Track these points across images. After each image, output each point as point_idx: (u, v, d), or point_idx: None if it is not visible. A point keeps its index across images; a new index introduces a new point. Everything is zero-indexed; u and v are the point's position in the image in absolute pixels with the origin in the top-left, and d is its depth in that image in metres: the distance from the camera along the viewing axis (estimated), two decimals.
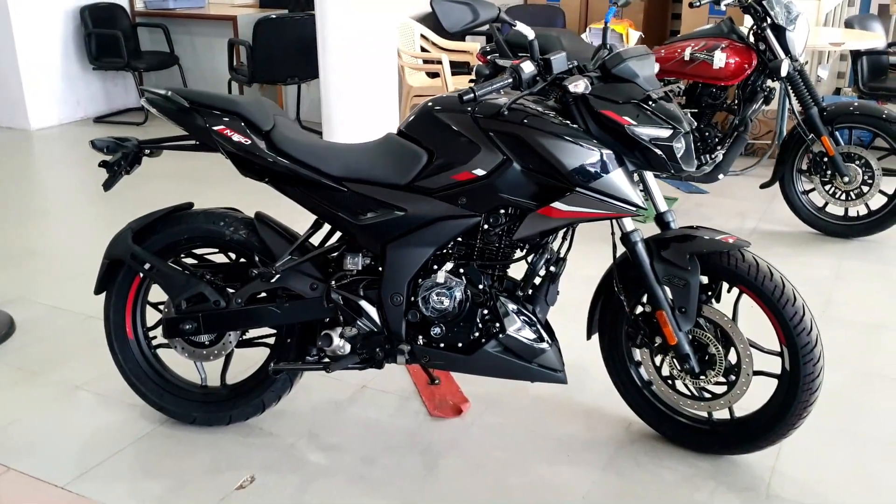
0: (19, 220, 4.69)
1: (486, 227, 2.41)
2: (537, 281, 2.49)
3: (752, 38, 4.13)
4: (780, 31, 4.03)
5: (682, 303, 2.35)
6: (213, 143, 2.48)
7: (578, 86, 2.23)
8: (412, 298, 2.45)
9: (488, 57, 4.73)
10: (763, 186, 4.37)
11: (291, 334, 2.58)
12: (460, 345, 2.46)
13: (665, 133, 2.24)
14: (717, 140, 4.30)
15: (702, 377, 2.43)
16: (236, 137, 2.45)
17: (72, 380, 2.98)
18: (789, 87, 4.13)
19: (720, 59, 4.08)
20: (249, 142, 2.44)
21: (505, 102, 2.31)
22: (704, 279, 2.44)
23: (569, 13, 7.18)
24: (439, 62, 5.47)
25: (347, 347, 2.49)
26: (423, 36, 5.89)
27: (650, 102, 2.26)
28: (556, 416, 2.76)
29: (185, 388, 2.71)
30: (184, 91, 2.53)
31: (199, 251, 2.69)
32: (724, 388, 2.44)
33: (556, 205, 2.28)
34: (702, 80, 4.22)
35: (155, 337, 2.72)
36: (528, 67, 2.25)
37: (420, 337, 2.47)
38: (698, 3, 4.11)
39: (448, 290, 2.41)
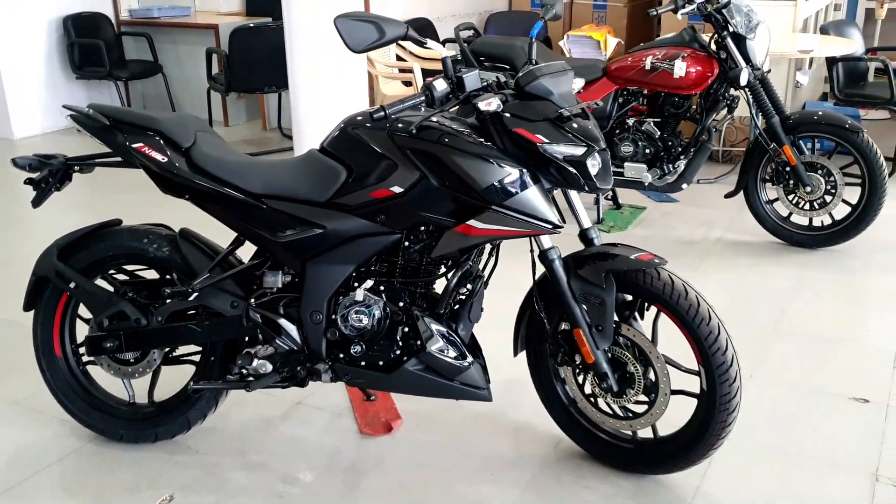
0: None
1: (406, 244, 2.39)
2: (461, 298, 2.47)
3: (714, 47, 4.10)
4: (740, 40, 4.00)
5: (599, 321, 2.32)
6: (133, 160, 2.48)
7: (490, 104, 2.20)
8: (332, 316, 2.43)
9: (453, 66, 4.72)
10: (727, 196, 4.33)
11: (214, 352, 2.57)
12: (381, 363, 2.44)
13: (578, 151, 2.21)
14: (680, 149, 4.27)
15: (622, 396, 2.40)
16: (154, 154, 2.45)
17: (10, 394, 2.98)
18: (750, 96, 4.08)
19: (680, 69, 4.05)
20: (166, 159, 2.44)
21: (418, 121, 2.29)
22: (629, 297, 2.41)
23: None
24: (412, 71, 5.46)
25: (268, 366, 2.48)
26: (398, 44, 5.88)
27: (565, 120, 2.23)
28: (486, 434, 2.73)
29: (112, 406, 2.70)
30: (105, 108, 2.53)
31: (131, 267, 2.69)
32: (644, 407, 2.41)
33: (472, 222, 2.26)
34: (664, 90, 4.19)
35: (83, 354, 2.71)
36: (440, 85, 2.22)
37: (341, 355, 2.46)
38: (655, 12, 4.08)
39: (367, 307, 2.40)
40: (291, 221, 2.40)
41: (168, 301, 2.52)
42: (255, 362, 2.47)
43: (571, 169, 2.21)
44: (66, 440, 2.72)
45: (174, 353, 2.70)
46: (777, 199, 4.21)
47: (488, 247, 2.55)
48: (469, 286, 2.42)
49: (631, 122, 4.32)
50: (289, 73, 4.92)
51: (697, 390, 2.35)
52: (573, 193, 2.51)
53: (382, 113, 2.14)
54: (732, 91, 4.14)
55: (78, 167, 2.61)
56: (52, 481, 2.53)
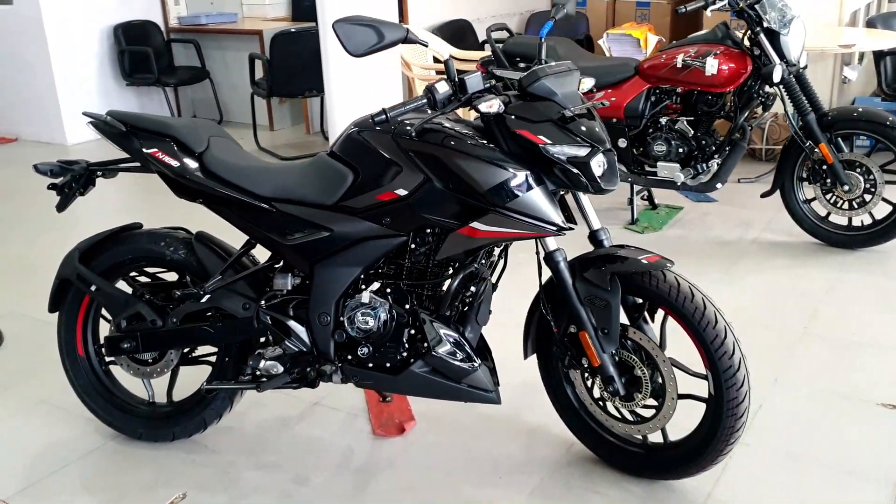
0: (34, 235, 4.87)
1: (413, 246, 2.40)
2: (469, 301, 2.46)
3: (747, 44, 4.01)
4: (774, 36, 3.90)
5: (604, 324, 2.29)
6: (149, 164, 2.54)
7: (492, 106, 2.18)
8: (339, 318, 2.45)
9: (488, 67, 4.72)
10: (764, 195, 4.22)
11: (229, 353, 2.62)
12: (388, 365, 2.45)
13: (582, 151, 2.18)
14: (714, 148, 4.18)
15: (630, 399, 2.36)
16: (167, 159, 2.50)
17: (39, 393, 3.08)
18: (784, 93, 3.98)
19: (712, 66, 3.97)
20: (178, 164, 2.49)
21: (419, 122, 2.30)
22: (639, 300, 2.38)
23: (594, 18, 7.09)
24: None
25: (279, 367, 2.51)
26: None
27: (569, 120, 2.21)
28: (498, 436, 2.72)
29: (132, 405, 2.77)
30: (122, 114, 2.60)
31: (152, 270, 2.75)
32: (652, 412, 2.37)
33: (476, 224, 2.25)
34: (696, 88, 4.12)
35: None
36: (442, 87, 2.22)
37: (349, 357, 2.48)
38: (684, 9, 4.01)
39: (372, 310, 2.41)
40: (299, 224, 2.43)
41: (182, 303, 2.57)
42: (266, 363, 2.50)
43: (575, 170, 2.19)
44: (88, 438, 2.80)
45: (193, 354, 2.76)
46: (814, 199, 4.10)
47: (497, 249, 2.55)
48: (473, 288, 2.41)
49: (664, 120, 4.26)
50: (324, 77, 4.98)
51: (706, 395, 2.30)
52: (582, 194, 2.48)
53: (384, 115, 2.16)
54: (767, 88, 4.05)
55: (100, 172, 2.68)
56: (73, 478, 2.61)
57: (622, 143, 4.36)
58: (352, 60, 4.90)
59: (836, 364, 3.07)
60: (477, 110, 2.19)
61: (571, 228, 2.35)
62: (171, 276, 2.71)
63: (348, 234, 2.40)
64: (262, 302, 2.51)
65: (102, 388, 2.77)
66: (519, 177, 2.20)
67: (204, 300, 2.53)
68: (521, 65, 4.69)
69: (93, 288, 2.63)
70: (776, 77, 3.85)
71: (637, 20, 6.88)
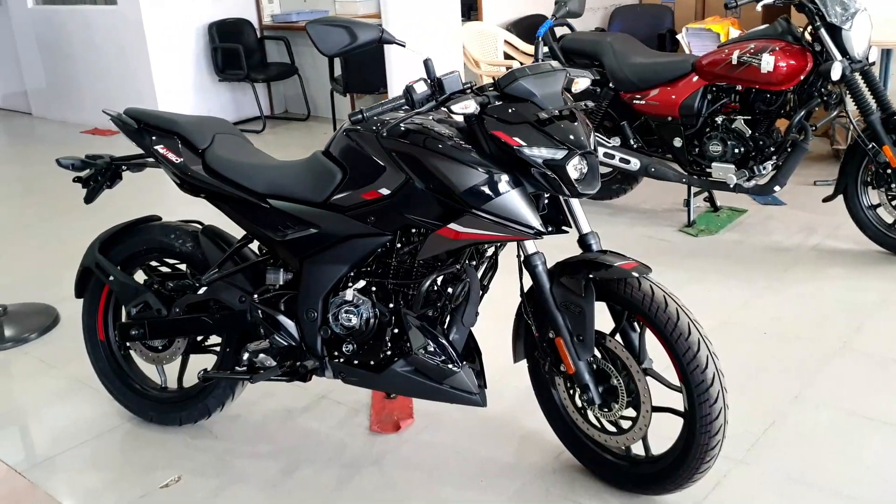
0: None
1: (398, 246, 2.41)
2: (458, 302, 2.44)
3: (808, 39, 3.80)
4: (835, 31, 3.68)
5: (579, 330, 2.23)
6: (157, 160, 2.65)
7: (467, 107, 2.16)
8: (326, 315, 2.49)
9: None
10: (825, 200, 3.99)
11: (230, 344, 2.70)
12: (372, 363, 2.47)
13: (559, 154, 2.13)
14: (772, 150, 3.98)
15: (607, 409, 2.29)
16: (170, 156, 2.61)
17: (80, 373, 3.25)
18: (846, 92, 3.75)
19: (768, 63, 3.78)
20: (181, 160, 2.59)
21: (392, 122, 2.30)
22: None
23: (683, 12, 6.86)
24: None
25: (271, 360, 2.57)
26: (507, 42, 5.85)
27: (547, 122, 2.16)
28: (491, 439, 2.70)
29: (146, 389, 2.90)
30: (136, 111, 2.72)
31: (171, 261, 2.87)
32: (629, 423, 2.29)
33: (453, 226, 2.24)
34: (752, 86, 3.93)
35: None
36: (420, 87, 2.21)
37: (335, 353, 2.51)
38: (734, 4, 3.82)
39: (356, 307, 2.43)
40: (290, 221, 2.48)
41: (184, 294, 2.68)
42: (256, 356, 2.58)
43: (550, 173, 2.14)
44: (108, 419, 2.95)
45: (205, 343, 2.86)
46: (880, 205, 3.84)
47: (489, 251, 2.52)
48: (451, 289, 2.38)
49: (720, 119, 4.08)
50: (387, 75, 5.04)
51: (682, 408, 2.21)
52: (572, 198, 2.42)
53: (360, 116, 2.17)
54: (830, 86, 3.82)
55: (126, 167, 2.82)
56: (84, 456, 2.76)
57: (677, 142, 4.22)
58: (413, 59, 4.94)
59: (867, 384, 2.87)
60: (450, 111, 2.17)
61: (561, 232, 2.31)
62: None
63: (335, 232, 2.43)
64: (255, 296, 2.57)
65: (120, 371, 2.91)
66: (495, 179, 2.17)
67: (201, 292, 2.62)
68: (577, 62, 4.61)
69: (109, 276, 2.77)
70: (835, 75, 3.63)
71: (726, 14, 6.59)
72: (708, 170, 4.14)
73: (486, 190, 2.17)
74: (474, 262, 2.50)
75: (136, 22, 7.02)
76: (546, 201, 2.35)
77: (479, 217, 2.19)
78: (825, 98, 3.83)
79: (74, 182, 2.82)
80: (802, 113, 3.81)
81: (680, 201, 4.61)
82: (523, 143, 2.14)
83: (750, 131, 4.01)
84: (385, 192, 2.32)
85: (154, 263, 2.85)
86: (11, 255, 4.63)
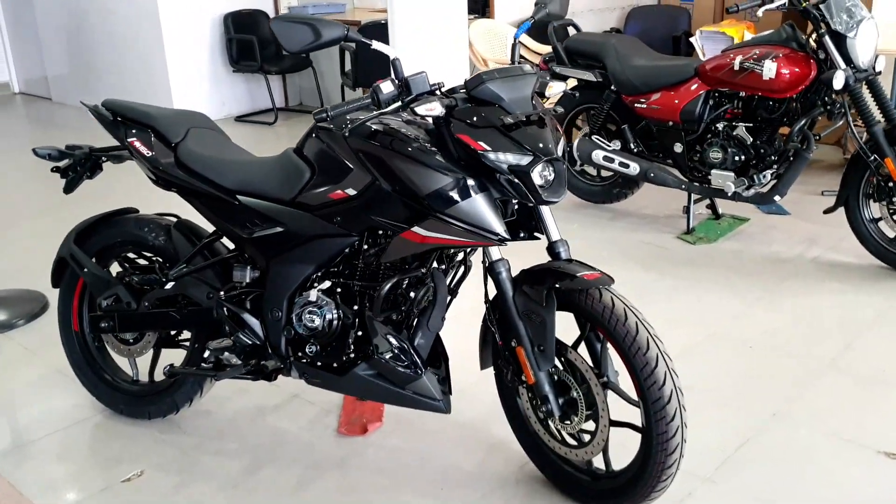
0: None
1: (365, 247, 2.37)
2: (423, 306, 2.41)
3: (813, 46, 3.70)
4: (840, 38, 3.58)
5: (540, 340, 2.18)
6: (130, 153, 2.64)
7: (433, 109, 2.12)
8: (290, 315, 2.46)
9: (549, 65, 4.62)
10: (826, 212, 3.89)
11: (199, 340, 2.68)
12: (335, 364, 2.44)
13: (524, 160, 2.08)
14: (773, 158, 3.89)
15: (567, 421, 2.24)
16: (142, 149, 2.59)
17: (58, 364, 3.24)
18: (848, 102, 3.65)
19: (770, 70, 3.70)
20: (151, 153, 2.57)
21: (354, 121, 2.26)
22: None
23: (701, 14, 6.75)
24: None
25: (236, 358, 2.55)
26: (521, 43, 5.78)
27: (513, 127, 2.11)
28: (459, 446, 2.65)
29: (117, 381, 2.89)
30: (113, 103, 2.71)
31: (148, 254, 2.86)
32: (588, 437, 2.24)
33: (417, 229, 2.20)
34: (754, 92, 3.85)
35: None
36: (386, 87, 2.17)
37: (299, 353, 2.48)
38: (736, 8, 3.74)
39: (319, 308, 2.40)
40: (258, 218, 2.45)
41: (153, 288, 2.66)
42: (221, 354, 2.56)
43: (514, 179, 2.10)
44: (80, 410, 2.95)
45: (178, 338, 2.85)
46: (882, 218, 3.74)
47: (459, 256, 2.48)
48: (413, 294, 2.34)
49: (721, 126, 4.00)
50: (392, 75, 5.00)
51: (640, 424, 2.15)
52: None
53: (324, 114, 2.13)
54: (834, 95, 3.72)
55: (105, 158, 2.81)
56: (52, 446, 2.76)
57: (678, 147, 4.15)
58: (419, 55, 4.91)
59: (850, 403, 2.79)
60: (414, 113, 2.13)
61: (532, 238, 2.26)
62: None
63: (301, 231, 2.40)
64: (222, 293, 2.55)
65: (93, 362, 2.91)
66: (460, 183, 2.13)
67: (169, 286, 2.61)
68: (581, 62, 4.53)
69: (82, 267, 2.76)
70: (837, 84, 3.53)
71: (746, 17, 6.47)
72: (708, 177, 4.06)
73: (450, 194, 2.13)
74: (443, 267, 2.46)
75: (153, 11, 7.04)
76: (516, 207, 2.30)
77: (442, 221, 2.15)
78: (828, 107, 3.74)
79: (53, 172, 2.82)
80: (803, 122, 3.73)
81: (675, 207, 4.53)
82: (488, 148, 2.09)
83: (751, 139, 3.93)
84: (351, 192, 2.29)
85: (133, 256, 2.84)
86: (14, 240, 4.66)
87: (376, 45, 2.25)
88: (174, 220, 2.76)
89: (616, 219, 4.60)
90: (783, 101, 3.82)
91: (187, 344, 2.77)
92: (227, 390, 2.99)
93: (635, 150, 4.33)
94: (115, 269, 2.82)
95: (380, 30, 6.19)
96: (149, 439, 2.76)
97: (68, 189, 2.85)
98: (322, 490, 2.48)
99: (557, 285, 2.12)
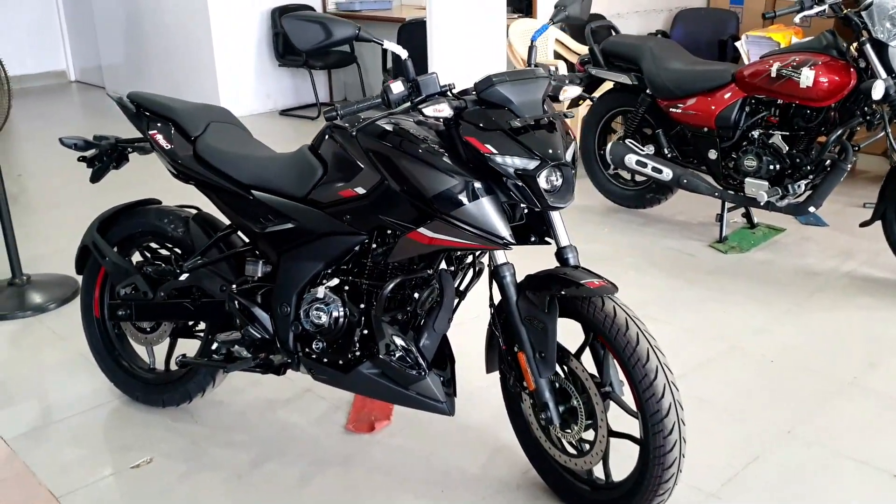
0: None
1: (374, 246, 2.38)
2: (430, 307, 2.40)
3: (854, 54, 3.60)
4: (881, 47, 3.48)
5: (542, 347, 2.16)
6: (150, 145, 2.68)
7: (441, 110, 2.11)
8: (298, 311, 2.48)
9: (585, 66, 4.57)
10: (863, 225, 3.79)
11: (213, 331, 2.72)
12: (340, 362, 2.45)
13: (531, 164, 2.07)
14: (809, 168, 3.80)
15: (567, 430, 2.22)
16: (162, 142, 2.63)
17: (83, 349, 3.28)
18: (888, 113, 3.54)
19: (807, 78, 3.61)
20: (171, 146, 2.61)
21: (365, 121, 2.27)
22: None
23: (750, 18, 6.61)
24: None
25: (245, 351, 2.58)
26: (558, 41, 5.74)
27: (522, 130, 2.09)
28: (464, 449, 2.65)
29: (134, 368, 2.94)
30: (138, 96, 2.76)
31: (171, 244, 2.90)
32: (588, 446, 2.21)
33: (423, 230, 2.20)
34: (792, 100, 3.76)
35: None
36: (397, 87, 2.18)
37: (306, 349, 2.50)
38: (773, 14, 3.65)
39: (326, 305, 2.42)
40: (271, 213, 2.48)
41: (169, 279, 2.71)
42: (232, 346, 2.58)
43: (521, 183, 2.08)
44: (99, 395, 3.01)
45: (195, 328, 2.89)
46: None
47: (468, 258, 2.48)
48: (417, 295, 2.34)
49: (756, 133, 3.91)
50: (428, 67, 5.00)
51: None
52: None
53: (334, 113, 2.14)
54: (875, 105, 3.61)
55: (131, 149, 2.86)
56: (69, 430, 2.82)
57: (712, 154, 4.07)
58: (456, 53, 4.90)
59: (867, 424, 2.71)
60: (422, 114, 2.13)
61: (543, 243, 2.25)
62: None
63: (313, 228, 2.42)
64: (234, 286, 2.58)
65: (112, 349, 2.97)
66: (466, 185, 2.12)
67: (183, 278, 2.65)
68: (618, 65, 4.48)
69: (103, 256, 2.82)
70: (877, 94, 3.44)
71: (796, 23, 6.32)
72: (741, 185, 3.98)
73: (456, 196, 2.12)
74: (452, 269, 2.46)
75: (202, 5, 7.15)
76: (525, 211, 2.29)
77: (448, 223, 2.14)
78: (868, 117, 3.63)
79: (79, 161, 2.88)
80: (840, 132, 3.63)
81: (708, 214, 4.45)
82: (495, 151, 2.08)
83: (787, 148, 3.84)
84: (361, 191, 2.30)
85: (155, 246, 2.89)
86: (54, 224, 4.78)
87: (388, 44, 2.25)
88: (194, 211, 2.80)
89: (648, 224, 4.53)
90: (821, 109, 3.73)
91: (202, 334, 2.82)
92: (242, 382, 3.03)
93: (669, 156, 4.26)
94: (137, 258, 2.88)
95: (422, 27, 6.20)
96: (161, 427, 2.81)
97: (94, 178, 2.91)
98: (323, 487, 2.50)
99: (563, 292, 2.10)
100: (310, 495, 2.46)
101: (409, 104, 2.15)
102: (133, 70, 8.31)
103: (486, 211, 2.13)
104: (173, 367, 2.88)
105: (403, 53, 2.25)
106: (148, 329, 2.85)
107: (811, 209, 3.79)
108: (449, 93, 2.19)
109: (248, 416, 2.86)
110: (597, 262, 4.01)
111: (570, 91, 2.35)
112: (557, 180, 2.09)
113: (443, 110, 2.11)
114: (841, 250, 4.10)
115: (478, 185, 2.13)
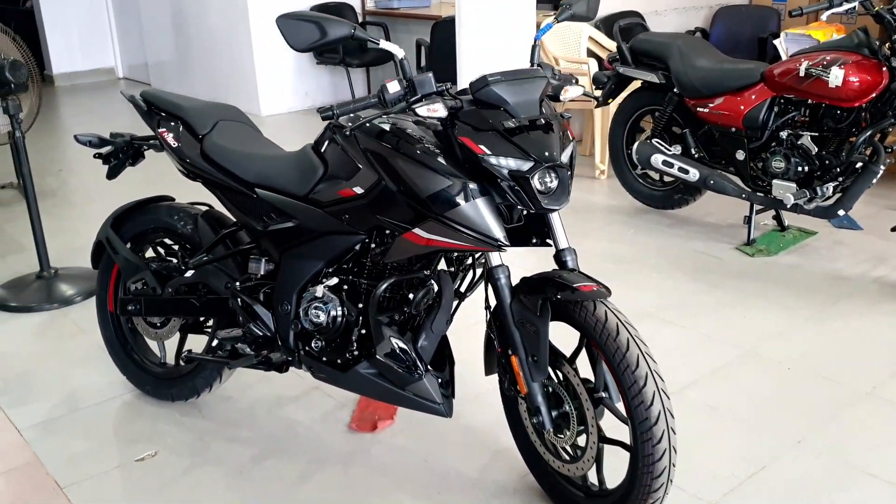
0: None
1: (372, 246, 2.38)
2: (426, 308, 2.40)
3: (887, 53, 3.49)
4: None
5: (534, 350, 2.14)
6: (160, 143, 2.72)
7: (435, 110, 2.10)
8: (298, 309, 2.49)
9: (613, 64, 4.52)
10: (894, 229, 3.66)
11: (220, 327, 2.75)
12: (338, 361, 2.46)
13: (524, 166, 2.04)
14: (838, 170, 3.69)
15: (560, 435, 2.19)
16: (170, 140, 2.67)
17: (102, 343, 3.40)
18: None
19: (836, 77, 3.51)
20: (178, 144, 2.64)
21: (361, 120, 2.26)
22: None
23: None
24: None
25: (247, 348, 2.60)
26: (591, 38, 5.67)
27: (517, 131, 2.07)
28: (464, 451, 2.63)
29: (145, 362, 2.99)
30: (150, 94, 2.80)
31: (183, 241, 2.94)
32: (580, 452, 2.18)
33: (418, 231, 2.19)
34: (821, 100, 3.65)
35: None
36: (393, 87, 2.17)
37: (306, 347, 2.51)
38: (800, 12, 3.55)
39: (324, 304, 2.42)
40: (274, 211, 2.49)
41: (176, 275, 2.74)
42: (235, 343, 2.61)
43: (514, 184, 2.06)
44: (114, 388, 3.06)
45: (205, 323, 2.92)
46: None
47: (469, 259, 2.46)
48: (412, 295, 2.33)
49: (785, 134, 3.82)
50: (457, 68, 4.99)
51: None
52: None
53: (330, 112, 2.15)
54: None
55: (146, 146, 2.91)
56: (80, 421, 2.88)
57: (740, 154, 3.98)
58: (485, 52, 4.88)
59: (879, 436, 2.62)
60: (415, 114, 2.12)
61: (545, 245, 2.22)
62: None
63: (312, 227, 2.43)
64: (238, 283, 2.60)
65: (125, 342, 3.02)
66: (460, 186, 2.11)
67: (188, 274, 2.68)
68: (646, 62, 4.41)
69: (117, 252, 2.87)
70: None
71: (842, 20, 6.15)
72: (769, 186, 3.89)
73: (451, 197, 2.11)
74: (452, 270, 2.44)
75: (242, 4, 7.23)
76: (524, 213, 2.26)
77: (442, 224, 2.13)
78: None
79: (95, 158, 2.93)
80: (869, 132, 3.52)
81: (736, 217, 4.36)
82: (488, 152, 2.06)
83: (816, 149, 3.74)
84: (359, 190, 2.30)
85: (168, 242, 2.94)
86: (87, 218, 4.88)
87: (384, 44, 2.24)
88: (203, 208, 2.83)
89: (675, 225, 4.46)
90: (851, 110, 3.62)
91: (209, 330, 2.85)
92: (251, 378, 3.05)
93: (696, 156, 4.18)
94: (151, 254, 2.92)
95: (451, 25, 6.19)
96: (169, 421, 2.85)
97: (111, 175, 2.96)
98: (321, 484, 2.51)
99: (558, 296, 2.07)
100: (307, 492, 2.47)
101: (404, 104, 2.14)
102: (177, 67, 8.45)
103: (481, 212, 2.11)
104: (182, 362, 2.92)
105: (400, 53, 2.24)
106: (158, 324, 2.89)
107: (840, 212, 3.69)
108: (446, 92, 2.17)
109: (255, 413, 2.89)
110: (620, 263, 3.97)
111: (572, 91, 2.32)
112: (552, 182, 2.06)
113: (437, 110, 2.09)
114: (873, 255, 3.98)
115: (472, 186, 2.11)
